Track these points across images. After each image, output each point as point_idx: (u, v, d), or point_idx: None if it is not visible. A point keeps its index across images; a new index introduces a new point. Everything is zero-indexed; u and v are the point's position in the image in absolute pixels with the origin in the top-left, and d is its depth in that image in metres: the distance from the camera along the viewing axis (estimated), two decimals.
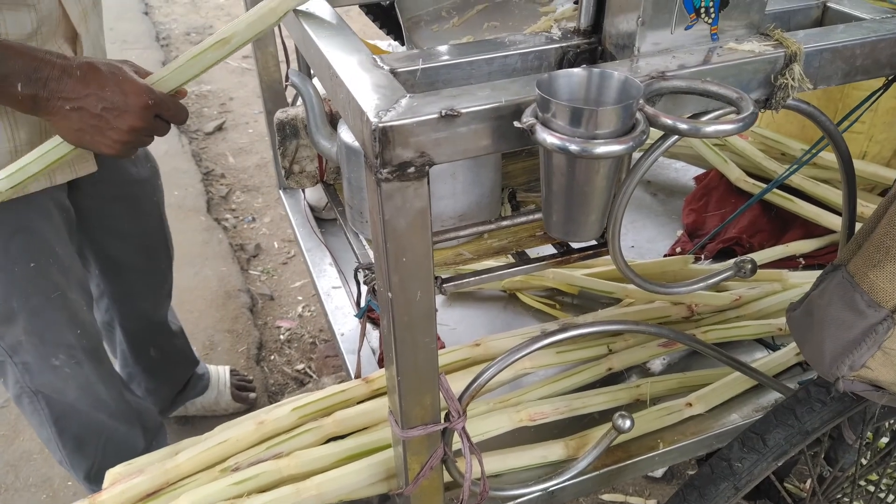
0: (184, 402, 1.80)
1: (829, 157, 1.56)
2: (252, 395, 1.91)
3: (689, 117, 0.73)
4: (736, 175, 1.60)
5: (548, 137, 0.60)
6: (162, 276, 1.57)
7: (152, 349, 1.62)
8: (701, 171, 1.78)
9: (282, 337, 2.17)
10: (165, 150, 2.99)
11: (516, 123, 0.63)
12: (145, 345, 1.61)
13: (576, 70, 0.67)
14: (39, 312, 1.19)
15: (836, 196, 1.51)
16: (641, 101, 0.64)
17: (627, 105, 0.61)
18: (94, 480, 1.44)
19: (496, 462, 1.04)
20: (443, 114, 0.63)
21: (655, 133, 0.69)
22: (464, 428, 0.88)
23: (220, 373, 1.88)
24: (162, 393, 1.73)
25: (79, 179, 1.24)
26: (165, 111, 0.93)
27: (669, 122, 0.62)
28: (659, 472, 1.70)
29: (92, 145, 0.92)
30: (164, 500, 0.99)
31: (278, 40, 1.48)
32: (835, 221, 1.48)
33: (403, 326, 0.76)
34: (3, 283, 1.15)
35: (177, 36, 4.29)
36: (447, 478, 0.94)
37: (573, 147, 0.59)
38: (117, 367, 1.64)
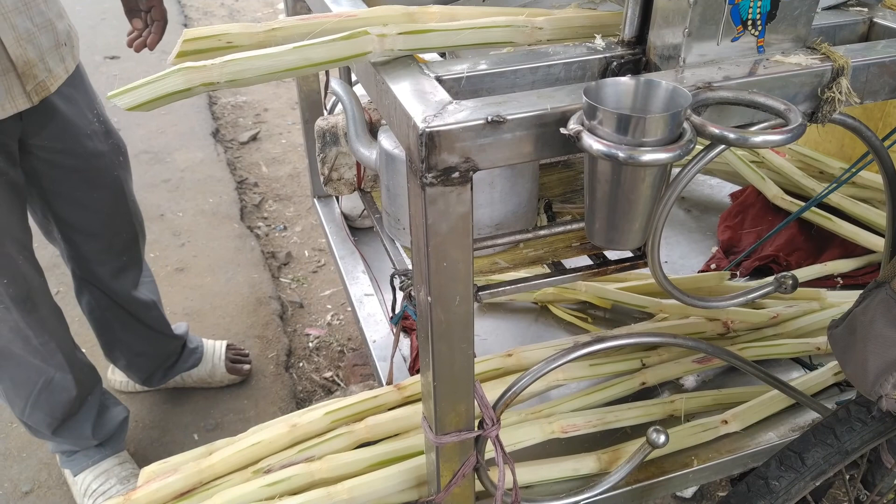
0: (175, 374, 1.88)
1: (868, 175, 1.53)
2: (247, 367, 1.99)
3: None
4: (773, 192, 1.59)
5: (594, 144, 0.61)
6: (121, 247, 1.62)
7: (119, 315, 1.67)
8: (737, 187, 1.77)
9: (311, 344, 2.18)
10: (201, 158, 3.04)
11: (562, 130, 0.64)
12: (111, 309, 1.66)
13: (623, 79, 0.67)
14: None
15: (875, 216, 1.48)
16: (689, 111, 0.64)
17: (675, 113, 0.61)
18: (28, 418, 1.53)
19: (528, 473, 1.03)
20: (489, 120, 0.64)
21: (693, 151, 0.69)
22: (497, 436, 0.88)
23: (215, 347, 1.95)
24: (141, 364, 1.80)
25: (29, 143, 1.33)
26: None
27: (717, 131, 0.62)
28: (689, 493, 1.67)
29: None
30: (197, 499, 1.00)
31: None
32: (874, 241, 1.45)
33: (441, 332, 0.76)
34: None
35: None
36: (478, 487, 0.94)
37: (620, 154, 0.60)
38: (95, 332, 1.72)
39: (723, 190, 1.81)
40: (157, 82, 0.70)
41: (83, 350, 1.62)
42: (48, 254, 1.50)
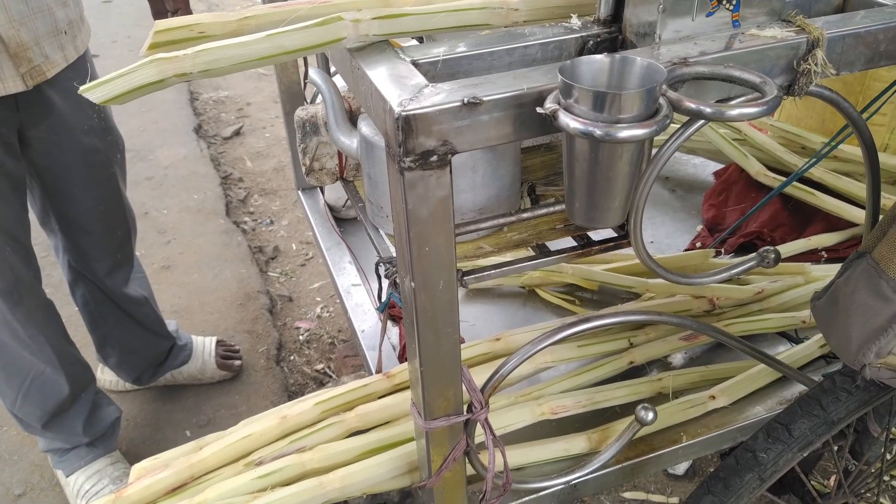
0: (165, 372, 1.89)
1: (849, 149, 1.54)
2: (237, 362, 2.00)
3: None
4: (756, 169, 1.59)
5: (571, 122, 0.61)
6: (116, 244, 1.63)
7: (111, 310, 1.69)
8: (720, 165, 1.77)
9: (301, 337, 2.18)
10: (184, 154, 3.02)
11: (539, 109, 0.63)
12: (104, 304, 1.68)
13: (598, 56, 0.67)
14: None
15: (857, 189, 1.49)
16: (664, 86, 0.64)
17: (651, 89, 0.61)
18: (19, 411, 1.54)
19: (518, 455, 1.04)
20: (465, 102, 0.64)
21: (672, 129, 0.69)
22: (486, 419, 0.88)
23: (205, 343, 1.96)
24: (132, 362, 1.81)
25: (30, 137, 1.33)
26: None
27: (693, 106, 0.62)
28: (681, 470, 1.69)
29: None
30: (189, 494, 1.00)
31: None
32: (857, 214, 1.46)
33: (426, 317, 0.76)
34: None
35: None
36: (469, 471, 0.95)
37: (597, 131, 0.60)
38: (88, 326, 1.73)
39: (706, 169, 1.81)
40: (130, 74, 0.69)
41: (77, 348, 1.62)
42: (39, 251, 1.50)
